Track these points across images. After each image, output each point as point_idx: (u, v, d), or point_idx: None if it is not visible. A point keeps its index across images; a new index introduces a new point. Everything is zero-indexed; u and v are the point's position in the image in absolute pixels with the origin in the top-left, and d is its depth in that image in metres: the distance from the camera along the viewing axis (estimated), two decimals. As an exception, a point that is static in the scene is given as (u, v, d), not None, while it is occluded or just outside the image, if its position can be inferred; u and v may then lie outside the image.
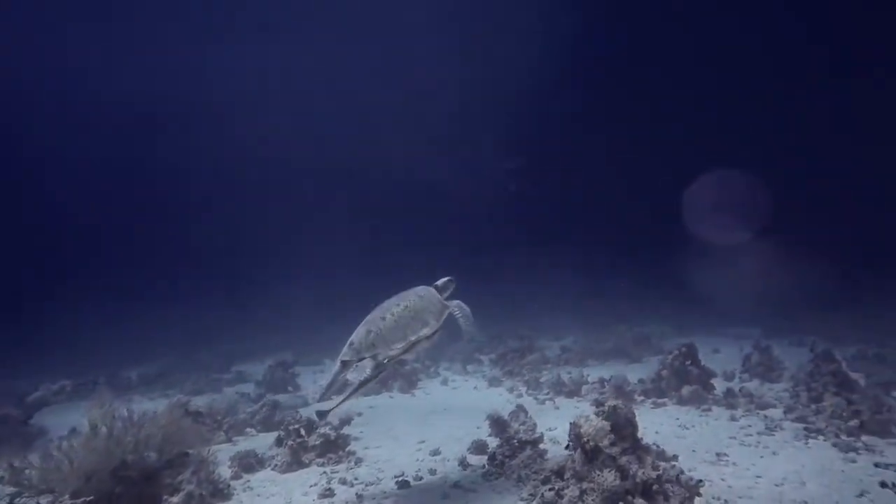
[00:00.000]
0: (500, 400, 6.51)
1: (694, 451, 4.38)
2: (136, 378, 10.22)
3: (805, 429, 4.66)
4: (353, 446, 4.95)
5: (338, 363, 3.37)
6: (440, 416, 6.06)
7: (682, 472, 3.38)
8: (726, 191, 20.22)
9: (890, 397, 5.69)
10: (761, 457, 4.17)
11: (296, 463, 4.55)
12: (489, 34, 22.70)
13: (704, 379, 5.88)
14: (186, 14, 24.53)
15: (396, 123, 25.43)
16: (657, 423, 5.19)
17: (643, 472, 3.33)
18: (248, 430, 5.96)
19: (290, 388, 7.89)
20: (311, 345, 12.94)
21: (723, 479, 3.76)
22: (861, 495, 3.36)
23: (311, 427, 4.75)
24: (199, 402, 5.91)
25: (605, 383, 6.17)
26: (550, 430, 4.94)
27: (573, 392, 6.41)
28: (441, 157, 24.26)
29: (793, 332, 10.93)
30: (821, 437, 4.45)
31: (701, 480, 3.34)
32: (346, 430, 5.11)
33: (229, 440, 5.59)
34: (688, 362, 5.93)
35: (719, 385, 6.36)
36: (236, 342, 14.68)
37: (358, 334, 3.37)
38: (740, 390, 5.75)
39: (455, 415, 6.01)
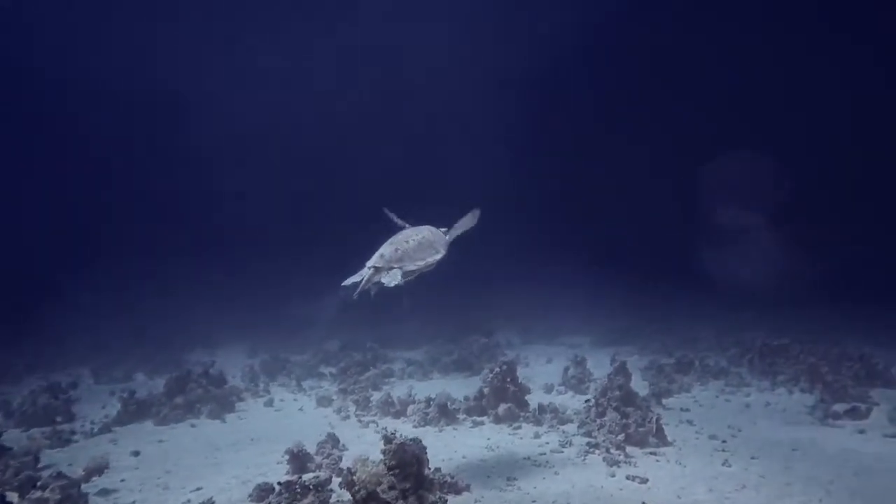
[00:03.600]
0: (323, 424, 6.03)
1: (489, 476, 4.48)
2: None
3: (587, 444, 5.15)
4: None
5: (370, 269, 4.12)
6: (242, 448, 5.32)
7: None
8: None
9: (660, 406, 6.75)
10: (544, 478, 4.43)
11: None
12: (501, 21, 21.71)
13: (520, 396, 6.22)
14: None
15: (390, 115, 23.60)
16: (468, 446, 5.27)
17: (415, 518, 3.19)
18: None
19: (58, 420, 6.21)
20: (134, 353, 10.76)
21: (501, 509, 3.85)
22: (607, 514, 3.71)
23: (29, 485, 3.63)
24: None
25: (431, 402, 6.14)
26: (358, 461, 4.63)
27: (400, 412, 6.25)
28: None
29: (615, 343, 12.58)
30: (597, 452, 4.95)
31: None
32: (96, 481, 4.08)
33: None
34: (507, 380, 6.22)
35: (539, 398, 6.84)
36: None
37: (387, 250, 4.21)
38: (548, 405, 6.21)
39: (261, 446, 5.34)
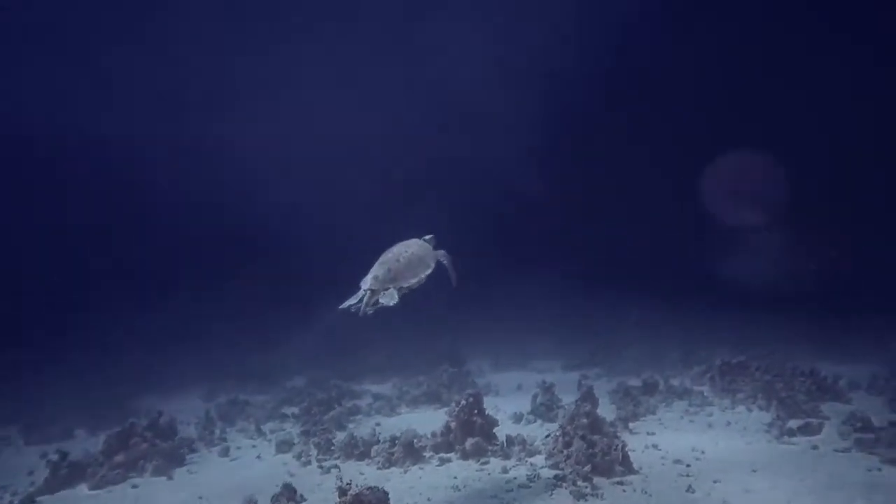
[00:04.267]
0: (281, 472, 5.67)
1: (453, 520, 4.31)
2: None
3: (555, 476, 5.06)
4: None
5: (366, 292, 4.24)
6: (190, 508, 4.90)
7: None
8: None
9: (627, 430, 6.77)
10: (509, 518, 4.30)
11: None
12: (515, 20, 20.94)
13: (487, 429, 6.08)
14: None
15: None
16: (434, 487, 5.07)
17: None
18: None
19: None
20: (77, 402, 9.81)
21: (465, 556, 3.68)
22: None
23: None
24: None
25: (396, 442, 5.91)
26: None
27: (364, 454, 5.98)
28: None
29: (585, 365, 12.60)
30: (564, 485, 4.86)
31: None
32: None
33: None
34: (474, 412, 6.09)
35: (508, 428, 6.71)
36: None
37: (380, 271, 4.33)
38: (516, 437, 6.09)
39: (211, 504, 4.94)
